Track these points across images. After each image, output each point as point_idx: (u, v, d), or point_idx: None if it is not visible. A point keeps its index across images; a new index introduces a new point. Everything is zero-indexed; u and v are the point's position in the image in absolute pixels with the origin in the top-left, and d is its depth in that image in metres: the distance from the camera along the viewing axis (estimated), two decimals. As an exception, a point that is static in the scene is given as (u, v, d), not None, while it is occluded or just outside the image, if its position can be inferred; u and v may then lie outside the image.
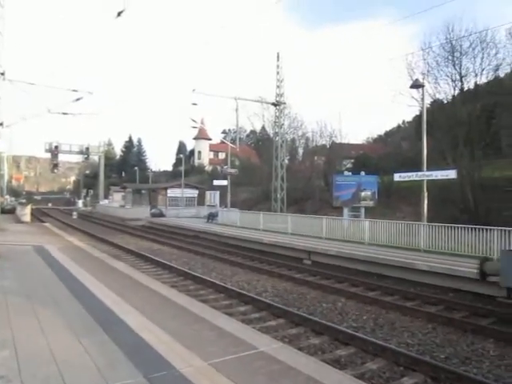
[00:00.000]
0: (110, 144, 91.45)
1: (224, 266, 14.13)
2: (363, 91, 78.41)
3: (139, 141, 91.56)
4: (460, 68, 31.84)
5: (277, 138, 32.17)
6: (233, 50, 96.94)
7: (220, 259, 15.31)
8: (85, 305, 6.25)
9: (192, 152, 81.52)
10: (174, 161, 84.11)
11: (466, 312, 8.53)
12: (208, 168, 68.91)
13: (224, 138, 57.67)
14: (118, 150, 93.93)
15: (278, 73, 31.09)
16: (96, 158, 68.18)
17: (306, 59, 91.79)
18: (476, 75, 31.86)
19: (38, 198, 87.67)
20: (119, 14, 14.56)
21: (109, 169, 75.30)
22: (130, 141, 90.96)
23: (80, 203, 67.15)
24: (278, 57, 31.24)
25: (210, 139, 77.36)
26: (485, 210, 22.58)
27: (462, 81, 32.16)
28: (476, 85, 32.32)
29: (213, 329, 5.24)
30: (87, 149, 53.94)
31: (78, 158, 75.60)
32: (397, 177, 18.15)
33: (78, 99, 23.27)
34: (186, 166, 56.76)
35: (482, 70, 31.50)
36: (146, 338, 4.75)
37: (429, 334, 7.29)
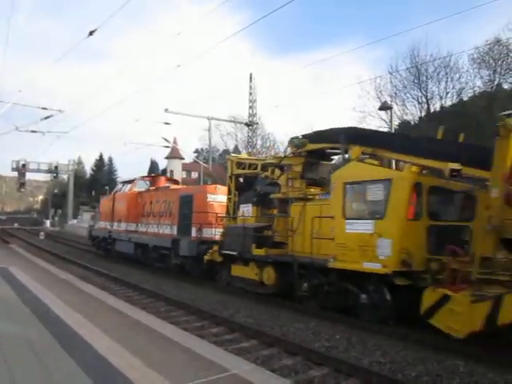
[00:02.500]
0: (80, 163, 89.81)
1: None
2: (333, 112, 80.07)
3: (110, 159, 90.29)
4: (426, 91, 33.17)
5: (249, 158, 32.36)
6: (206, 72, 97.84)
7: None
8: (49, 328, 6.03)
9: (164, 171, 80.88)
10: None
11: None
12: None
13: (197, 157, 57.51)
14: (89, 168, 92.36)
15: (250, 93, 31.55)
16: (65, 176, 66.90)
17: (278, 80, 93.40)
18: (441, 98, 33.25)
19: (3, 217, 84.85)
20: (91, 33, 14.55)
21: (78, 188, 73.78)
22: (101, 159, 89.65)
23: (48, 223, 65.37)
24: (250, 78, 31.77)
25: (182, 158, 77.02)
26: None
27: (428, 103, 33.44)
28: (441, 107, 33.62)
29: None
30: (56, 167, 52.96)
31: (47, 177, 74.22)
32: None
33: (47, 117, 22.91)
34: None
35: (447, 93, 32.92)
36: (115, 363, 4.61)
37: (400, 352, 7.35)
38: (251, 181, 13.56)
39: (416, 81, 33.19)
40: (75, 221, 63.27)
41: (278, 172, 12.11)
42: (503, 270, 7.00)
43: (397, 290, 8.43)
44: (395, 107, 31.35)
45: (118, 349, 5.16)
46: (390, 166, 9.90)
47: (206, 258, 13.78)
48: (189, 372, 4.39)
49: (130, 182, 22.02)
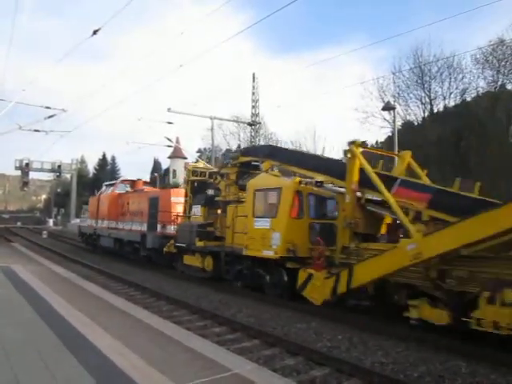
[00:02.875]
0: (83, 162, 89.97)
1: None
2: (336, 112, 79.98)
3: (113, 158, 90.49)
4: (429, 91, 33.11)
5: (252, 158, 32.37)
6: (208, 71, 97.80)
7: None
8: (52, 326, 6.05)
9: (167, 170, 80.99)
10: (148, 179, 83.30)
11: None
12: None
13: (199, 156, 57.55)
14: (92, 167, 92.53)
15: (253, 93, 31.60)
16: (68, 175, 67.01)
17: (281, 80, 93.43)
18: (444, 98, 33.19)
19: (6, 216, 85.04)
20: (95, 32, 14.55)
21: (81, 187, 73.84)
22: (104, 158, 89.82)
23: (51, 222, 65.49)
24: (253, 78, 31.76)
25: (185, 158, 77.00)
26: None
27: (431, 103, 33.37)
28: (445, 107, 33.53)
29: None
30: (59, 166, 53.10)
31: (50, 176, 74.30)
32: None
33: (50, 116, 22.94)
34: (161, 185, 56.22)
35: (450, 93, 32.86)
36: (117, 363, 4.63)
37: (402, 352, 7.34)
38: (203, 186, 16.05)
39: (419, 81, 33.15)
40: (78, 220, 63.34)
41: (219, 179, 14.76)
42: (355, 255, 9.28)
43: (292, 272, 10.69)
44: (398, 107, 31.33)
45: (121, 348, 5.17)
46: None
47: (165, 249, 16.47)
48: (191, 371, 4.40)
49: (113, 184, 25.05)
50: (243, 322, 9.09)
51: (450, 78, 32.42)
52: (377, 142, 51.95)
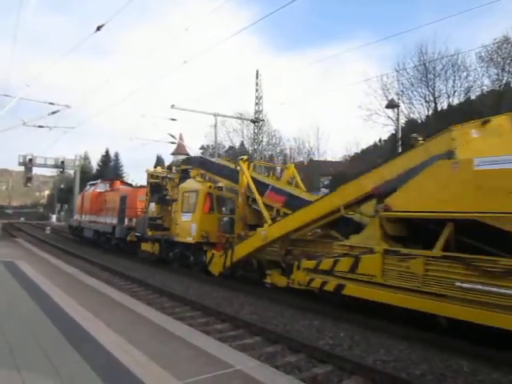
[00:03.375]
0: (86, 158, 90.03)
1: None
2: (340, 109, 79.84)
3: (116, 155, 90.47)
4: (433, 89, 32.98)
5: (255, 155, 32.38)
6: (212, 68, 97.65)
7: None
8: (54, 322, 6.08)
9: (170, 167, 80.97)
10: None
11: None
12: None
13: (202, 153, 57.54)
14: (95, 163, 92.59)
15: (256, 90, 31.50)
16: (72, 171, 67.09)
17: (285, 77, 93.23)
18: (448, 96, 33.04)
19: (10, 212, 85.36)
20: (99, 28, 14.57)
21: (85, 183, 73.81)
22: (107, 155, 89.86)
23: (54, 218, 65.66)
24: (257, 75, 31.70)
25: (188, 155, 77.14)
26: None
27: (435, 101, 33.24)
28: (449, 106, 33.39)
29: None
30: (62, 162, 53.14)
31: (53, 172, 74.31)
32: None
33: (54, 112, 23.01)
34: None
35: (454, 91, 32.71)
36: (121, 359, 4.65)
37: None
38: (159, 187, 19.17)
39: (423, 79, 33.00)
40: (81, 216, 63.43)
41: (167, 182, 18.57)
42: (244, 240, 12.42)
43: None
44: (402, 105, 31.20)
45: (124, 343, 5.20)
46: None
47: (128, 238, 20.27)
48: (193, 367, 4.42)
49: (95, 184, 28.78)
50: (246, 318, 9.11)
51: (455, 76, 32.31)
52: (380, 139, 51.98)
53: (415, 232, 8.35)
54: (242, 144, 59.73)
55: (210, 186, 15.04)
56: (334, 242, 9.96)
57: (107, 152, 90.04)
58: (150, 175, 19.96)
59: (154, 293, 12.15)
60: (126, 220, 21.64)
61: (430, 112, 33.65)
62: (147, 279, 14.01)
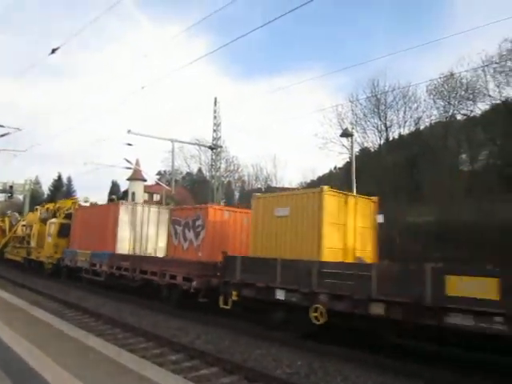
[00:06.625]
0: (37, 182, 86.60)
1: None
2: (296, 137, 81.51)
3: (69, 179, 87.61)
4: (385, 119, 34.31)
5: (213, 181, 32.30)
6: (170, 94, 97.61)
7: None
8: (-4, 358, 5.65)
9: (126, 193, 79.32)
10: (105, 201, 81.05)
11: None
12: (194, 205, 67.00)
13: (159, 179, 56.84)
14: (46, 188, 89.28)
15: (215, 117, 31.64)
16: (21, 196, 64.31)
17: (243, 104, 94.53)
18: (400, 127, 34.46)
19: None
20: (53, 51, 14.29)
21: (35, 209, 71.00)
22: (60, 179, 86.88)
23: (0, 245, 62.21)
24: (215, 102, 31.89)
25: (144, 180, 75.77)
26: (412, 253, 23.74)
27: (387, 131, 34.58)
28: (400, 136, 34.82)
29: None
30: (11, 187, 50.91)
31: (1, 197, 70.93)
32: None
33: (3, 135, 22.15)
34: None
35: (405, 122, 34.16)
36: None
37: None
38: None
39: (376, 109, 34.32)
40: (29, 243, 60.53)
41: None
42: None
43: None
44: (356, 134, 32.12)
45: (69, 379, 4.88)
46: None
47: None
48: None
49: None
50: (201, 348, 8.86)
51: (405, 108, 33.79)
52: (335, 167, 53.22)
53: None
54: (200, 170, 59.56)
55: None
56: None
57: (59, 176, 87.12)
58: (45, 208, 27.56)
59: (106, 323, 11.62)
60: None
61: (382, 141, 34.93)
62: (99, 309, 13.43)
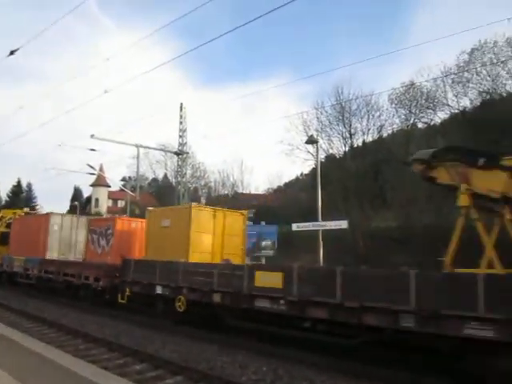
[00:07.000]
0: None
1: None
2: (262, 144, 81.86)
3: (29, 185, 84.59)
4: (350, 127, 34.91)
5: (179, 187, 31.97)
6: (135, 99, 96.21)
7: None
8: None
9: (89, 199, 77.41)
10: (67, 208, 78.71)
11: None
12: (106, 216, 65.62)
13: (124, 185, 55.70)
14: (4, 194, 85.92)
15: (181, 123, 31.34)
16: (-23, 203, 61.63)
17: (209, 110, 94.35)
18: (363, 134, 35.14)
19: None
20: (12, 52, 13.90)
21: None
22: (19, 185, 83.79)
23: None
24: (181, 107, 31.61)
25: (109, 186, 74.20)
26: (375, 257, 24.22)
27: (351, 138, 35.19)
28: (363, 143, 35.55)
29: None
30: (-34, 194, 48.63)
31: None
32: (294, 227, 19.14)
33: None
34: (81, 214, 53.49)
35: (368, 129, 34.89)
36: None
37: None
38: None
39: (340, 117, 34.89)
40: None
41: None
42: None
43: None
44: (321, 141, 32.60)
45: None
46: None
47: None
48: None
49: None
50: (166, 357, 8.71)
51: (369, 115, 34.52)
52: (302, 173, 53.79)
53: None
54: (166, 176, 58.90)
55: None
56: None
57: (19, 182, 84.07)
58: None
59: (67, 334, 11.25)
60: None
61: (347, 148, 35.55)
62: (60, 320, 13.00)
